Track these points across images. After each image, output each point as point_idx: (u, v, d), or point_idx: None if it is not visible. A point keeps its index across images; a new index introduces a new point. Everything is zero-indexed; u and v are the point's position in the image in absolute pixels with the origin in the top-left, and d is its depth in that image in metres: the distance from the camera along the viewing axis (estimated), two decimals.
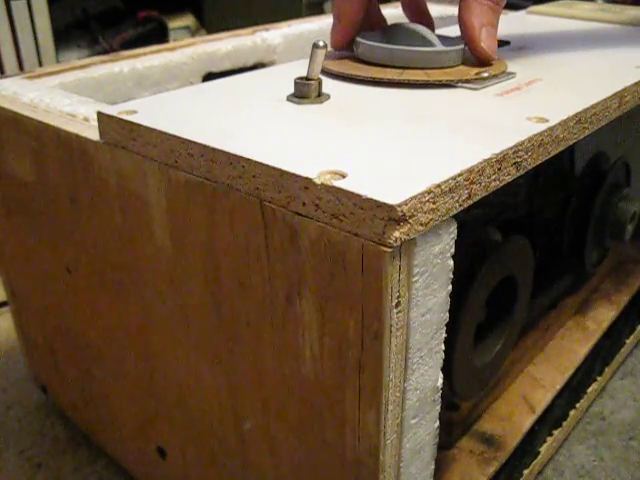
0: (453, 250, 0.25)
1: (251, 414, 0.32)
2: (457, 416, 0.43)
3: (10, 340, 0.61)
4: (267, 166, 0.24)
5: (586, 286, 0.58)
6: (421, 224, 0.22)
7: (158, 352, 0.36)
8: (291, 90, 0.32)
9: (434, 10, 0.65)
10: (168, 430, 0.39)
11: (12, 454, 0.50)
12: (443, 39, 0.36)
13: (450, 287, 0.26)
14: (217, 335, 0.31)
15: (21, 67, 1.07)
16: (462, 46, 0.36)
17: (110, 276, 0.36)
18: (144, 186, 0.31)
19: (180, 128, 0.28)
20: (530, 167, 0.28)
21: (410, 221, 0.22)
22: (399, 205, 0.21)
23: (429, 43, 0.35)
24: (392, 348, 0.24)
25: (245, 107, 0.31)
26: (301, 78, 0.31)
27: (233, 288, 0.29)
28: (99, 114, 0.31)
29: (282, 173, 0.24)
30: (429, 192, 0.22)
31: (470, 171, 0.24)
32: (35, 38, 1.08)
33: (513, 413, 0.46)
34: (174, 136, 0.28)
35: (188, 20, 1.41)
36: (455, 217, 0.24)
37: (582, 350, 0.53)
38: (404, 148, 0.26)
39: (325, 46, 0.31)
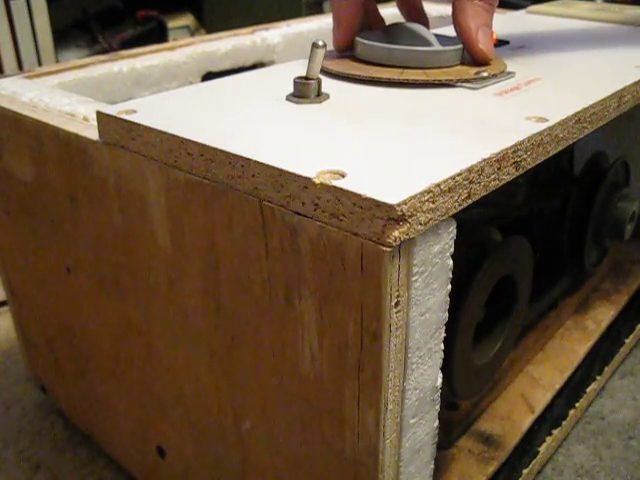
0: (452, 250, 0.25)
1: (250, 414, 0.32)
2: (456, 415, 0.43)
3: (10, 340, 0.61)
4: (266, 166, 0.24)
5: (585, 286, 0.58)
6: (420, 224, 0.22)
7: (158, 352, 0.36)
8: (290, 90, 0.32)
9: (434, 10, 0.65)
10: (167, 430, 0.39)
11: (11, 454, 0.50)
12: (442, 38, 0.36)
13: (449, 287, 0.26)
14: (216, 335, 0.31)
15: (20, 67, 1.07)
16: (461, 45, 0.36)
17: (110, 276, 0.36)
18: (143, 186, 0.31)
19: (179, 128, 0.28)
20: (529, 167, 0.28)
21: (409, 221, 0.22)
22: (398, 205, 0.21)
23: (428, 43, 0.35)
24: (391, 348, 0.24)
25: (244, 107, 0.31)
26: (300, 78, 0.31)
27: (232, 288, 0.29)
28: (98, 114, 0.31)
29: (281, 173, 0.24)
30: (428, 192, 0.22)
31: (469, 171, 0.24)
32: (34, 38, 1.08)
33: (512, 412, 0.46)
34: (173, 136, 0.28)
35: (187, 20, 1.41)
36: (455, 217, 0.25)
37: (581, 350, 0.53)
38: (403, 147, 0.26)
39: (324, 46, 0.31)
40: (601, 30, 0.50)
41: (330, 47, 0.36)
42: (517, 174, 0.27)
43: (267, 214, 0.25)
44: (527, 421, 0.46)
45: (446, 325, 0.27)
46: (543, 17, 0.55)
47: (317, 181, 0.23)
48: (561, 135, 0.30)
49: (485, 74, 0.35)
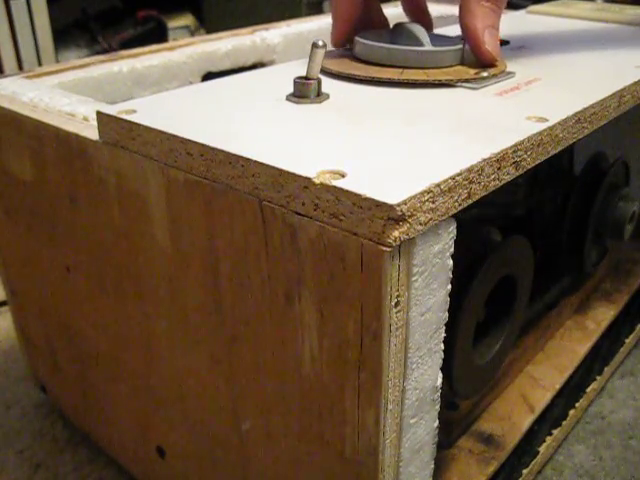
0: (452, 250, 0.25)
1: (250, 413, 0.32)
2: (456, 415, 0.43)
3: (10, 340, 0.61)
4: (266, 166, 0.24)
5: (586, 286, 0.58)
6: (420, 224, 0.22)
7: (157, 351, 0.36)
8: (290, 90, 0.32)
9: (434, 10, 0.65)
10: (167, 429, 0.39)
11: (11, 453, 0.50)
12: (442, 39, 0.36)
13: (449, 287, 0.26)
14: (216, 335, 0.31)
15: (20, 67, 1.07)
16: (461, 46, 0.36)
17: (110, 276, 0.36)
18: (143, 185, 0.31)
19: (179, 127, 0.28)
20: (529, 167, 0.28)
21: (409, 221, 0.22)
22: (398, 205, 0.21)
23: (428, 43, 0.35)
24: (391, 348, 0.24)
25: (244, 107, 0.31)
26: (300, 78, 0.31)
27: (232, 288, 0.29)
28: (98, 114, 0.31)
29: (281, 173, 0.24)
30: (428, 192, 0.22)
31: (469, 170, 0.24)
32: (34, 38, 1.08)
33: (512, 412, 0.46)
34: (173, 135, 0.28)
35: (187, 19, 1.41)
36: (454, 217, 0.25)
37: (581, 350, 0.53)
38: (403, 147, 0.26)
39: (324, 46, 0.31)
40: (601, 30, 0.50)
41: (330, 47, 0.36)
42: (517, 174, 0.27)
43: (267, 214, 0.25)
44: (527, 421, 0.45)
45: (446, 325, 0.27)
46: (543, 17, 0.55)
47: (317, 181, 0.23)
48: (561, 135, 0.30)
49: (485, 74, 0.35)
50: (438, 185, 0.23)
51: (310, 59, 0.31)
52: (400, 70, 0.34)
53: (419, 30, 0.36)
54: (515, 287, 0.41)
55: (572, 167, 0.51)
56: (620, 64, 0.39)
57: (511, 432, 0.44)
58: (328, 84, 0.34)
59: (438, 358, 0.27)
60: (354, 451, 0.27)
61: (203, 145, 0.26)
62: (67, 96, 0.39)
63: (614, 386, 0.55)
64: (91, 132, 0.33)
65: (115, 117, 0.30)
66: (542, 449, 0.45)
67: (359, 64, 0.36)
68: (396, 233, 0.22)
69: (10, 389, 0.56)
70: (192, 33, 1.40)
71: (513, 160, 0.27)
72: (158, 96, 0.33)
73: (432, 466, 0.31)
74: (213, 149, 0.26)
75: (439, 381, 0.28)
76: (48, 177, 0.37)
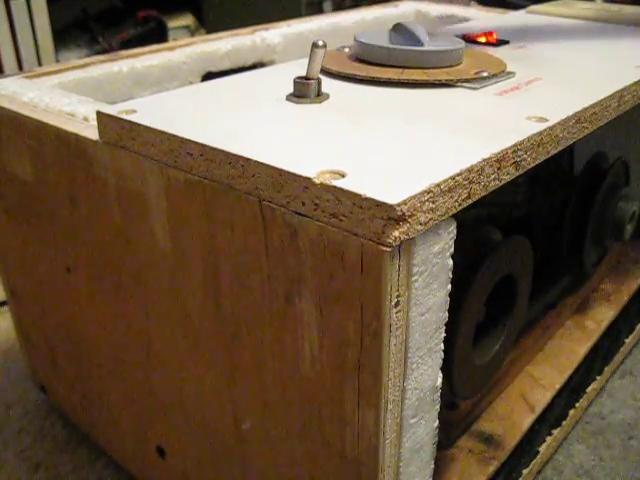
0: (452, 250, 0.25)
1: (250, 413, 0.32)
2: (456, 415, 0.43)
3: (10, 340, 0.61)
4: (266, 166, 0.24)
5: (586, 286, 0.58)
6: (420, 223, 0.22)
7: (157, 351, 0.36)
8: (290, 89, 0.32)
9: (434, 10, 0.65)
10: (167, 430, 0.39)
11: (11, 453, 0.50)
12: (443, 39, 0.36)
13: (449, 286, 0.26)
14: (217, 334, 0.31)
15: (20, 67, 1.07)
16: (462, 45, 0.36)
17: (110, 276, 0.36)
18: (143, 185, 0.31)
19: (179, 128, 0.28)
20: (529, 167, 0.28)
21: (409, 220, 0.22)
22: (398, 205, 0.21)
23: (428, 43, 0.35)
24: (391, 347, 0.24)
25: (244, 107, 0.31)
26: (300, 77, 0.31)
27: (232, 287, 0.29)
28: (98, 113, 0.31)
29: (281, 173, 0.24)
30: (428, 192, 0.22)
31: (469, 170, 0.24)
32: (34, 38, 1.08)
33: (512, 412, 0.46)
34: (173, 135, 0.28)
35: (187, 19, 1.41)
36: (454, 216, 0.25)
37: (581, 349, 0.53)
38: (403, 147, 0.26)
39: (324, 46, 0.31)
40: (601, 30, 0.50)
41: (330, 47, 0.36)
42: (517, 174, 0.27)
43: (267, 214, 0.25)
44: (527, 421, 0.46)
45: (446, 325, 0.27)
46: (543, 17, 0.55)
47: (317, 181, 0.23)
48: (561, 135, 0.30)
49: (485, 74, 0.35)
50: (438, 185, 0.23)
51: (310, 59, 0.31)
52: (400, 70, 0.34)
53: (419, 30, 0.36)
54: (515, 287, 0.41)
55: (572, 167, 0.51)
56: (620, 64, 0.39)
57: (511, 432, 0.44)
58: (328, 84, 0.34)
59: (438, 358, 0.27)
60: (354, 451, 0.27)
61: (203, 145, 0.26)
62: (67, 96, 0.39)
63: (614, 386, 0.55)
64: (91, 132, 0.33)
65: (115, 117, 0.30)
66: (542, 449, 0.45)
67: (359, 64, 0.36)
68: (396, 233, 0.22)
69: (10, 389, 0.56)
70: (192, 33, 1.40)
71: (513, 160, 0.27)
72: (158, 96, 0.33)
73: (432, 466, 0.31)
74: (213, 149, 0.26)
75: (439, 381, 0.28)
76: (48, 177, 0.37)
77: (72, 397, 0.49)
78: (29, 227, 0.42)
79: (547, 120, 0.29)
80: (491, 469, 0.42)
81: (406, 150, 0.26)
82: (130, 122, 0.29)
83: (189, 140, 0.27)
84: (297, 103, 0.31)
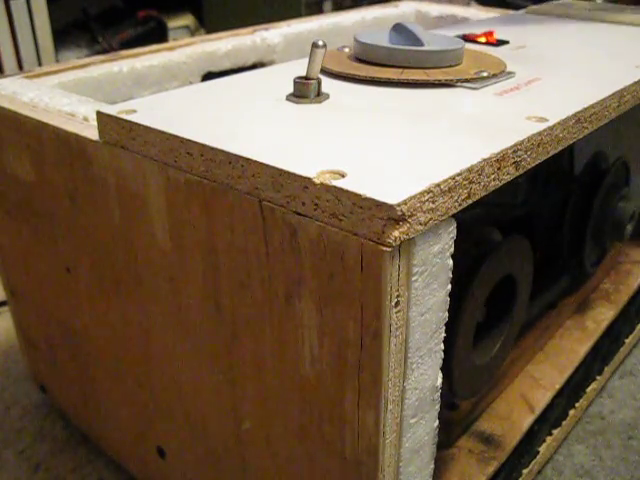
0: (452, 250, 0.25)
1: (250, 414, 0.32)
2: (456, 415, 0.43)
3: (10, 340, 0.61)
4: (266, 166, 0.24)
5: (585, 286, 0.58)
6: (420, 224, 0.22)
7: (157, 351, 0.36)
8: (290, 89, 0.32)
9: (434, 10, 0.65)
10: (167, 430, 0.39)
11: (11, 453, 0.50)
12: (443, 39, 0.36)
13: (449, 286, 0.26)
14: (216, 334, 0.31)
15: (20, 67, 1.07)
16: (462, 45, 0.36)
17: (110, 276, 0.36)
18: (143, 185, 0.31)
19: (179, 128, 0.28)
20: (529, 167, 0.28)
21: (409, 221, 0.22)
22: (398, 205, 0.21)
23: (428, 43, 0.35)
24: (391, 347, 0.24)
25: (244, 107, 0.31)
26: (300, 78, 0.31)
27: (232, 287, 0.29)
28: (98, 113, 0.31)
29: (281, 173, 0.24)
30: (428, 192, 0.22)
31: (469, 171, 0.24)
32: (34, 38, 1.08)
33: (512, 412, 0.46)
34: (173, 135, 0.28)
35: (187, 19, 1.41)
36: (454, 217, 0.25)
37: (581, 349, 0.53)
38: (403, 147, 0.26)
39: (324, 46, 0.31)
40: (601, 30, 0.50)
41: (330, 47, 0.36)
42: (517, 174, 0.27)
43: (267, 214, 0.25)
44: (527, 421, 0.46)
45: (446, 325, 0.27)
46: (543, 17, 0.55)
47: (317, 181, 0.23)
48: (561, 135, 0.30)
49: (485, 74, 0.35)
50: (438, 185, 0.23)
51: (310, 59, 0.31)
52: (400, 70, 0.34)
53: (419, 30, 0.36)
54: (515, 287, 0.41)
55: (572, 167, 0.51)
56: (620, 64, 0.39)
57: (511, 432, 0.44)
58: (328, 84, 0.34)
59: (438, 358, 0.27)
60: (354, 451, 0.27)
61: (203, 145, 0.26)
62: (67, 96, 0.39)
63: (614, 386, 0.55)
64: (91, 132, 0.33)
65: (115, 117, 0.30)
66: (542, 449, 0.45)
67: (359, 64, 0.36)
68: (396, 233, 0.22)
69: (10, 389, 0.56)
70: (192, 33, 1.40)
71: (513, 160, 0.27)
72: (158, 96, 0.33)
73: (432, 466, 0.31)
74: (213, 149, 0.26)
75: (439, 381, 0.28)
76: (48, 177, 0.37)
77: (72, 397, 0.49)
78: (29, 227, 0.42)
79: (547, 120, 0.29)
80: (491, 469, 0.42)
81: (406, 150, 0.26)
82: (130, 122, 0.29)
83: (189, 140, 0.27)
84: (297, 103, 0.31)
